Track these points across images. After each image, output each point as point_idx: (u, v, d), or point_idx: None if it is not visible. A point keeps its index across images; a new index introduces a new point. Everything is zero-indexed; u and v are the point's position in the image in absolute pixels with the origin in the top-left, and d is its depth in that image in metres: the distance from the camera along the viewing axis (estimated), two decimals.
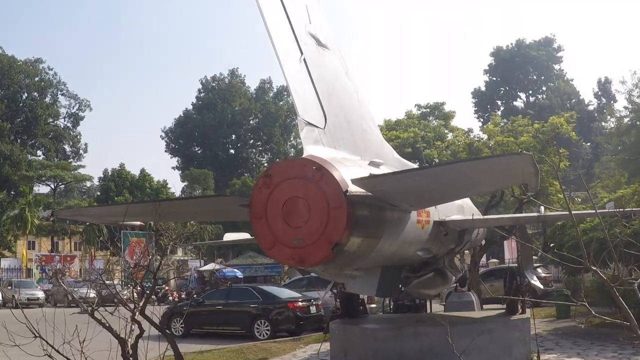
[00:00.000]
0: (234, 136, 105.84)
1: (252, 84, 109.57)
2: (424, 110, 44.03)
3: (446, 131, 41.11)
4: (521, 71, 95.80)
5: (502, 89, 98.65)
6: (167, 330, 13.11)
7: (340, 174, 8.75)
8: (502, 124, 39.50)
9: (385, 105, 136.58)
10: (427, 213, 13.04)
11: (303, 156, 9.13)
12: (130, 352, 10.64)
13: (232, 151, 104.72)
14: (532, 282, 18.18)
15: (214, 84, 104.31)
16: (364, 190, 8.83)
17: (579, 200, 40.25)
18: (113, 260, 25.85)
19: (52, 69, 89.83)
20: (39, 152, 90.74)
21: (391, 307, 30.55)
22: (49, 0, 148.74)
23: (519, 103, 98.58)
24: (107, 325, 10.53)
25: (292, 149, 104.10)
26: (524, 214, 17.28)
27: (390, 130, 40.67)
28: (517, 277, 17.89)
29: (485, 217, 15.54)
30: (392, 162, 13.66)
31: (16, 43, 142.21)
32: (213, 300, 28.50)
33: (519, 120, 38.97)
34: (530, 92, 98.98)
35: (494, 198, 40.57)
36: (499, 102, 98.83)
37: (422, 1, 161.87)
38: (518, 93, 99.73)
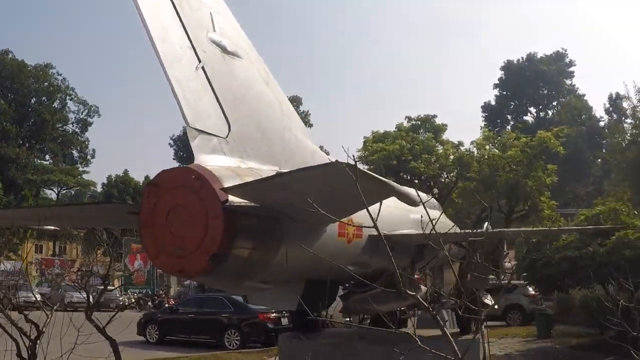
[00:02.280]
0: None
1: None
2: (414, 122, 43.68)
3: (437, 144, 40.77)
4: (532, 86, 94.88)
5: (513, 103, 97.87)
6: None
7: (221, 184, 8.56)
8: (499, 137, 39.00)
9: (385, 117, 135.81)
10: (355, 226, 12.83)
11: (189, 165, 9.00)
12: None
13: None
14: (486, 300, 17.92)
15: None
16: (246, 201, 8.67)
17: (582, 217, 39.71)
18: (115, 266, 26.00)
19: (61, 75, 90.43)
20: (47, 157, 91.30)
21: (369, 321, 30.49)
22: (60, 6, 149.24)
23: (529, 118, 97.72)
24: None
25: None
26: (469, 231, 16.94)
27: (377, 142, 40.46)
28: (468, 295, 17.64)
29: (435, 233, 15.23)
30: None
31: (26, 48, 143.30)
32: (187, 308, 28.54)
33: (507, 134, 38.61)
34: (541, 107, 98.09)
35: (483, 213, 40.31)
36: (509, 117, 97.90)
37: (430, 13, 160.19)
38: (528, 108, 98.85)
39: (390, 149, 38.46)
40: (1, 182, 70.58)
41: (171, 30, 9.33)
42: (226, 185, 8.54)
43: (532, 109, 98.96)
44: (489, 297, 18.18)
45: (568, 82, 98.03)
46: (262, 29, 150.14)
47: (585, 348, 22.68)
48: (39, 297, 44.75)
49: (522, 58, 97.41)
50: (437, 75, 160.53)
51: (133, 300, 57.54)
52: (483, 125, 38.49)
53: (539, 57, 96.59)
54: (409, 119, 43.74)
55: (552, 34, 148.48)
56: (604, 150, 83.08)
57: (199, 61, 9.63)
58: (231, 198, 8.59)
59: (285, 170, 11.04)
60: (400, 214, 16.50)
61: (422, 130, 42.74)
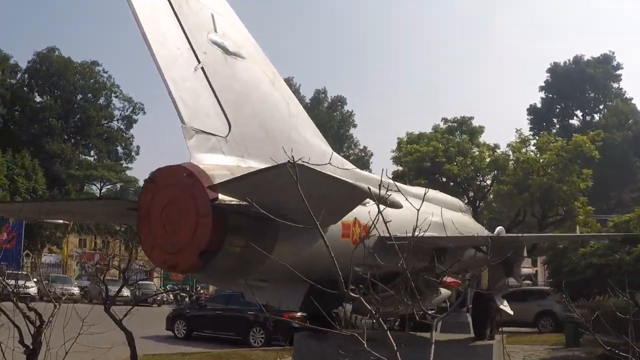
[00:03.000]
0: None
1: (307, 93, 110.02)
2: (451, 124, 43.33)
3: (472, 147, 40.35)
4: (578, 89, 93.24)
5: (559, 106, 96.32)
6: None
7: (213, 183, 8.69)
8: (534, 140, 38.49)
9: (427, 119, 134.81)
10: (362, 227, 12.82)
11: (183, 163, 9.14)
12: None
13: None
14: (502, 306, 17.72)
15: None
16: (235, 200, 8.78)
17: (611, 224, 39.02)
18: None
19: (107, 72, 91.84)
20: (92, 153, 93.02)
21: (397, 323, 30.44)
22: (107, 3, 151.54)
23: (575, 121, 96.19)
24: None
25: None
26: (473, 235, 16.76)
27: (411, 143, 40.28)
28: (486, 301, 17.43)
29: (433, 235, 15.17)
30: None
31: (73, 46, 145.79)
32: (214, 304, 28.81)
33: (544, 137, 38.03)
34: (587, 110, 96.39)
35: (517, 217, 39.86)
36: (555, 120, 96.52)
37: (476, 13, 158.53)
38: (574, 111, 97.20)
39: (424, 151, 38.22)
40: (46, 177, 72.03)
41: (169, 31, 9.44)
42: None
43: (579, 112, 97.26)
44: (505, 303, 17.98)
45: (615, 85, 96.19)
46: (306, 29, 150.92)
47: (612, 359, 22.24)
48: (77, 290, 45.86)
49: (569, 60, 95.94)
50: (482, 77, 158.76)
51: (171, 296, 58.43)
52: (518, 129, 37.94)
53: (585, 59, 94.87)
54: (445, 120, 43.47)
55: (600, 36, 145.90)
56: None
57: (199, 62, 9.77)
58: (222, 196, 8.72)
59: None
60: (420, 217, 16.46)
61: (458, 132, 42.41)
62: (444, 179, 40.36)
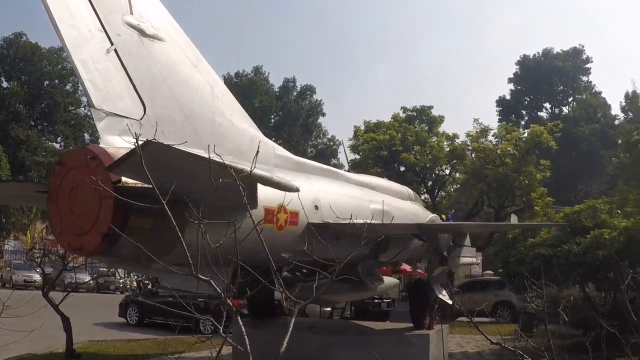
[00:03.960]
0: None
1: (276, 82, 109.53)
2: (410, 113, 43.32)
3: (432, 136, 40.41)
4: (547, 81, 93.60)
5: (527, 98, 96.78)
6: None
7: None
8: (494, 130, 38.56)
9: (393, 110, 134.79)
10: (289, 213, 12.81)
11: (88, 146, 9.10)
12: None
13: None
14: (440, 296, 17.79)
15: (237, 80, 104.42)
16: (140, 183, 8.71)
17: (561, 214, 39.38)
18: None
19: None
20: (59, 139, 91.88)
21: (351, 311, 30.57)
22: None
23: (543, 113, 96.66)
24: None
25: (313, 149, 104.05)
26: (402, 223, 16.79)
27: (369, 132, 40.29)
28: (424, 290, 17.47)
29: (371, 223, 15.21)
30: (266, 159, 13.43)
31: (40, 31, 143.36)
32: (167, 291, 28.65)
33: (502, 127, 38.09)
34: (555, 103, 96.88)
35: (474, 207, 40.11)
36: (524, 112, 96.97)
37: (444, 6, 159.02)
38: (543, 103, 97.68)
39: (380, 139, 38.21)
40: (11, 164, 71.23)
41: (79, 13, 9.31)
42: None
43: (547, 105, 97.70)
44: (444, 292, 18.06)
45: (584, 78, 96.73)
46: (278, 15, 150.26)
47: (563, 348, 22.34)
48: (38, 277, 45.27)
49: (538, 53, 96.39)
50: (451, 68, 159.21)
51: (134, 284, 57.96)
52: (476, 118, 37.94)
53: (555, 52, 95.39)
54: (405, 109, 43.43)
55: (569, 29, 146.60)
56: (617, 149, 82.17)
57: (112, 44, 9.68)
58: (125, 179, 8.66)
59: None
60: (357, 204, 16.41)
61: (417, 121, 42.38)
62: (403, 168, 40.41)
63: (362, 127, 41.66)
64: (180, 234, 8.70)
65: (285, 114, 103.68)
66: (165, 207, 7.09)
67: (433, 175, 40.55)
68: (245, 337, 5.84)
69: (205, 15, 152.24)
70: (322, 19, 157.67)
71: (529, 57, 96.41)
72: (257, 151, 9.15)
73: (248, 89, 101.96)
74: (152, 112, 10.15)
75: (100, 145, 9.19)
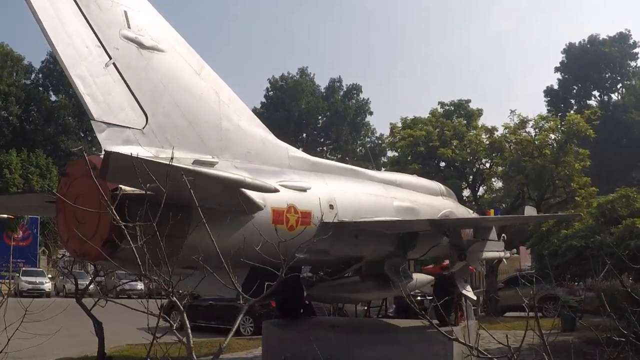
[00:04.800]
0: (304, 134, 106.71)
1: (322, 82, 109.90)
2: (447, 108, 43.12)
3: (471, 130, 39.92)
4: (594, 69, 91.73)
5: (575, 87, 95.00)
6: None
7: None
8: (532, 121, 37.89)
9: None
10: (300, 213, 12.95)
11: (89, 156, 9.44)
12: None
13: (301, 150, 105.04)
14: (464, 291, 17.72)
15: (282, 83, 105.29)
16: (137, 190, 9.04)
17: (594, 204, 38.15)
18: None
19: None
20: None
21: (390, 310, 30.54)
22: None
23: (593, 102, 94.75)
24: None
25: (362, 148, 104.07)
26: (414, 219, 16.64)
27: (405, 128, 40.15)
28: (448, 286, 17.39)
29: (379, 219, 15.30)
30: (279, 161, 13.66)
31: None
32: (208, 295, 29.18)
33: (539, 118, 37.37)
34: (604, 90, 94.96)
35: (516, 200, 39.54)
36: (572, 101, 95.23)
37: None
38: (592, 92, 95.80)
39: (417, 135, 38.13)
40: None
41: (75, 31, 9.67)
42: None
43: (596, 93, 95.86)
44: (468, 287, 17.98)
45: (632, 64, 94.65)
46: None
47: (602, 343, 21.94)
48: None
49: (584, 40, 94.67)
50: (495, 59, 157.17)
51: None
52: (512, 110, 37.27)
53: (601, 38, 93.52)
54: (442, 104, 43.19)
55: (615, 15, 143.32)
56: None
57: (110, 58, 10.05)
58: (124, 187, 9.02)
59: (210, 159, 11.38)
60: (379, 202, 16.50)
61: (455, 115, 42.00)
62: (443, 164, 40.16)
63: (399, 124, 41.57)
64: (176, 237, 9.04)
65: (332, 114, 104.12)
66: (149, 212, 7.43)
67: (474, 169, 40.06)
68: (189, 332, 6.05)
69: (250, 20, 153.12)
70: (365, 17, 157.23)
71: (574, 44, 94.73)
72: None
73: (294, 91, 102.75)
74: (154, 120, 10.48)
75: (101, 155, 9.53)
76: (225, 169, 11.23)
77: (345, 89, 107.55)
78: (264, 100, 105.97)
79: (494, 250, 19.45)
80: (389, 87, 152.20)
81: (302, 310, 19.04)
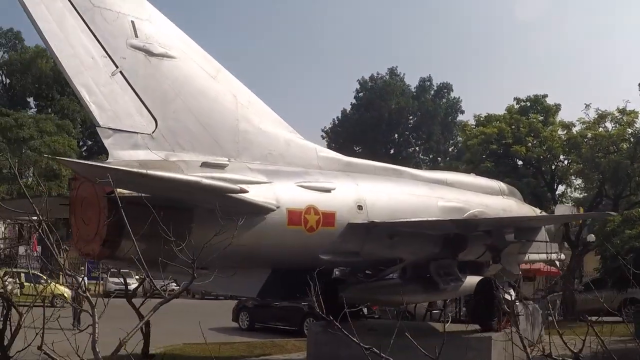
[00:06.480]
0: (396, 135, 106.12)
1: (412, 82, 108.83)
2: (523, 104, 41.59)
3: (548, 126, 38.32)
4: None
5: None
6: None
7: None
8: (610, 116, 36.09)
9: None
10: (322, 214, 12.94)
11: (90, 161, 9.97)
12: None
13: (392, 150, 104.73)
14: (507, 296, 17.22)
15: (372, 84, 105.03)
16: (133, 192, 9.44)
17: None
18: None
19: None
20: None
21: (461, 314, 29.96)
22: None
23: None
24: None
25: (453, 147, 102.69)
26: (435, 219, 16.01)
27: (478, 126, 39.24)
28: (489, 290, 16.89)
29: (414, 220, 15.05)
30: (306, 161, 13.74)
31: None
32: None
33: (616, 111, 35.52)
34: None
35: (596, 198, 37.93)
36: None
37: None
38: None
39: (489, 132, 37.28)
40: None
41: (80, 43, 10.09)
42: None
43: None
44: (511, 291, 17.46)
45: None
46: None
47: None
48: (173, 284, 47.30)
49: None
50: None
51: None
52: (587, 104, 35.26)
53: None
54: (518, 100, 41.87)
55: None
56: None
57: (117, 67, 10.49)
58: (121, 190, 9.40)
59: (222, 161, 11.66)
60: (420, 202, 16.22)
61: (532, 111, 40.54)
62: (520, 162, 39.01)
63: (472, 122, 40.72)
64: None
65: (423, 114, 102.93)
66: (122, 214, 7.78)
67: (552, 167, 38.61)
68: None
69: (337, 23, 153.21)
70: (457, 14, 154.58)
71: None
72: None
73: (384, 91, 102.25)
74: (164, 125, 10.83)
75: (109, 160, 9.97)
76: (238, 171, 11.45)
77: (435, 88, 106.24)
78: (354, 101, 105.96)
79: (540, 252, 18.69)
80: (479, 86, 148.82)
81: (341, 312, 18.97)
